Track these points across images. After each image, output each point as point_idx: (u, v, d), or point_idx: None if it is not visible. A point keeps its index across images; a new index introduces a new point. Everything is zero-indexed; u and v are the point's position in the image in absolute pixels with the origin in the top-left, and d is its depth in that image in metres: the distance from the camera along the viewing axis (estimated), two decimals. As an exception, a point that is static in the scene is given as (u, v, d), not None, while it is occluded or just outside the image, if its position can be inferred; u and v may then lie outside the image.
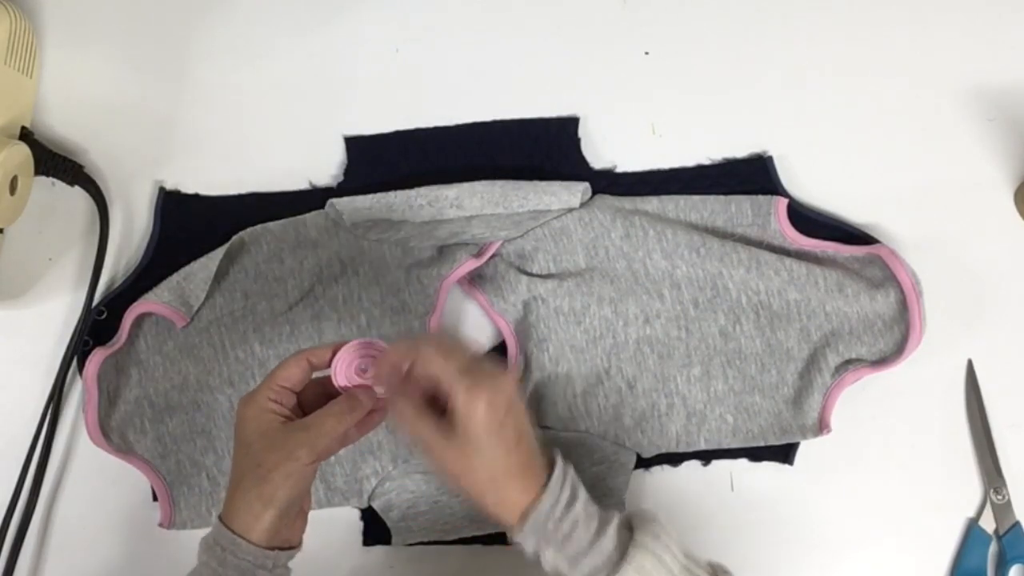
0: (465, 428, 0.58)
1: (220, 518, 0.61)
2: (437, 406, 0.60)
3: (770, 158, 0.82)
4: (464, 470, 0.59)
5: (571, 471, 0.62)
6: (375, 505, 0.79)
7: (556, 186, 0.80)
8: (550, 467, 0.61)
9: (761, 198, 0.81)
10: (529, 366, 0.79)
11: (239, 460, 0.61)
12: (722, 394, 0.79)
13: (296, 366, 0.62)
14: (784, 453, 0.80)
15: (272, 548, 0.60)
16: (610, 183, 0.82)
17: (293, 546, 0.63)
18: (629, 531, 0.61)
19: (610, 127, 0.84)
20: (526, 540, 0.60)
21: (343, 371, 0.63)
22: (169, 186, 0.83)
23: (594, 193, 0.81)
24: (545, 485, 0.60)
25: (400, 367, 0.61)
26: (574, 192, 0.80)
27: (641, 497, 0.80)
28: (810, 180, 0.83)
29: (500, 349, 0.81)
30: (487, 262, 0.81)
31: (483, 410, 0.58)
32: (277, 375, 0.62)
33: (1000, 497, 0.79)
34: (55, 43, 0.85)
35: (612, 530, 0.60)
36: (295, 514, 0.63)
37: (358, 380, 0.63)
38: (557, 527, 0.59)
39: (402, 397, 0.60)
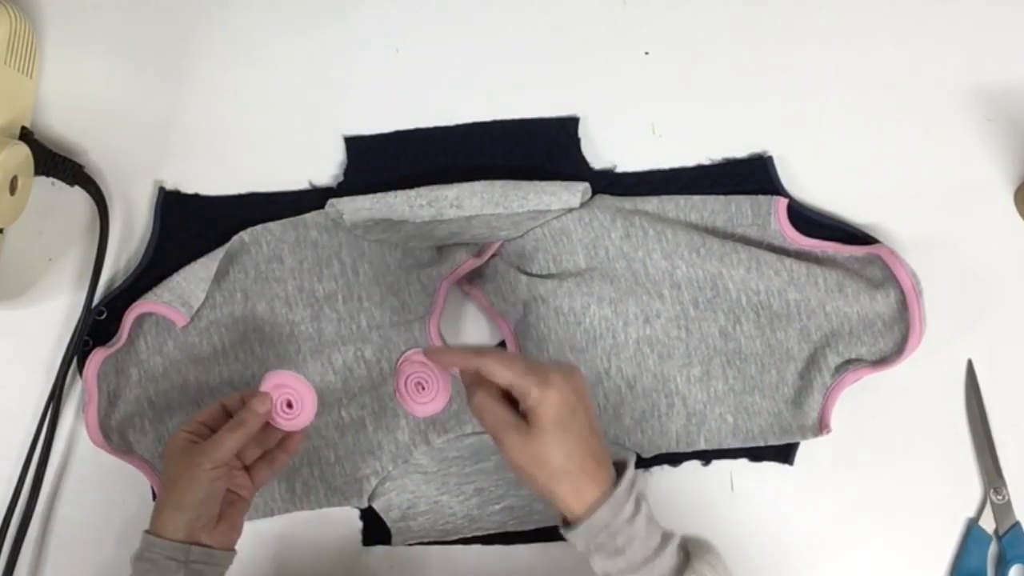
0: (540, 419, 0.61)
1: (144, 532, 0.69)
2: (510, 404, 0.63)
3: (770, 158, 0.82)
4: (538, 460, 0.61)
5: (639, 480, 0.63)
6: (375, 505, 0.79)
7: (556, 186, 0.80)
8: (622, 469, 0.63)
9: (761, 198, 0.81)
10: (529, 366, 0.79)
11: (160, 484, 0.70)
12: (722, 394, 0.79)
13: (210, 409, 0.71)
14: (784, 453, 0.80)
15: (185, 543, 0.67)
16: (610, 183, 0.82)
17: (214, 548, 0.68)
18: (686, 556, 0.62)
19: (610, 127, 0.84)
20: (577, 540, 0.62)
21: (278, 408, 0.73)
22: (169, 186, 0.83)
23: (594, 193, 0.81)
24: (614, 486, 0.61)
25: (467, 368, 0.65)
26: (574, 192, 0.80)
27: (641, 497, 0.80)
28: (810, 180, 0.83)
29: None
30: (487, 262, 0.81)
31: (555, 399, 0.61)
32: (196, 415, 0.71)
33: (1000, 497, 0.79)
34: (55, 43, 0.85)
35: (670, 552, 0.61)
36: (212, 517, 0.68)
37: (278, 419, 0.72)
38: (612, 538, 0.61)
39: (481, 390, 0.63)
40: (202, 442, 0.69)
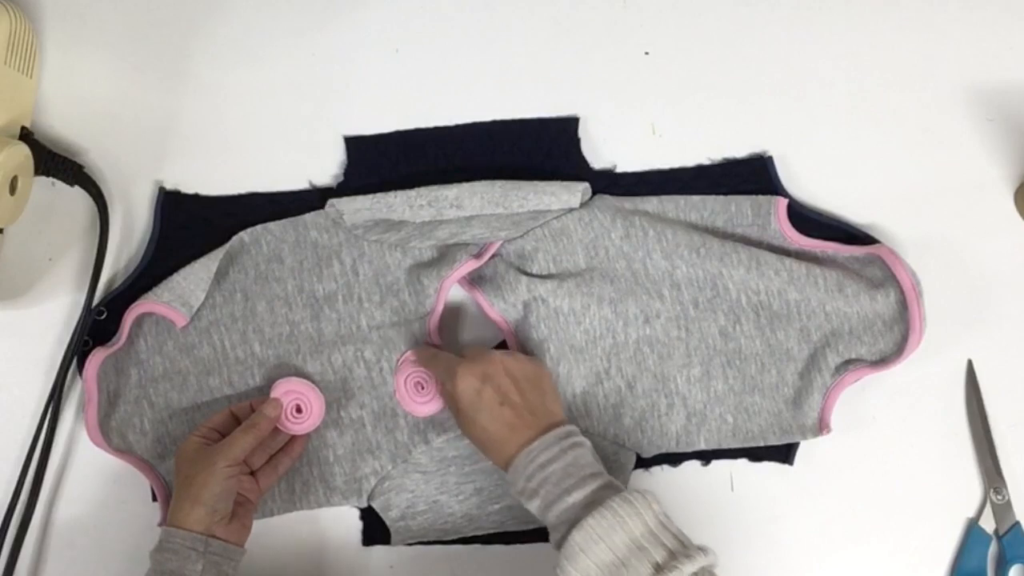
0: (456, 407, 0.72)
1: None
2: None
3: (770, 158, 0.82)
4: (470, 437, 0.73)
5: (568, 439, 0.69)
6: (374, 505, 0.79)
7: (556, 186, 0.80)
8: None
9: (761, 198, 0.81)
10: (529, 366, 0.79)
11: (175, 484, 0.73)
12: (722, 394, 0.79)
13: (221, 415, 0.76)
14: (784, 453, 0.80)
15: (204, 535, 0.70)
16: (610, 183, 0.82)
17: (230, 542, 0.72)
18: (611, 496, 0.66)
19: (610, 127, 0.84)
20: (511, 488, 0.70)
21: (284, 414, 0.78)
22: (169, 186, 0.83)
23: (594, 193, 0.82)
24: (531, 442, 0.69)
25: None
26: (574, 192, 0.80)
27: (641, 497, 0.80)
28: (810, 180, 0.83)
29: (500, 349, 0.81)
30: (487, 262, 0.81)
31: (461, 388, 0.71)
32: (206, 422, 0.76)
33: (1000, 497, 0.79)
34: (55, 43, 0.85)
35: (587, 491, 0.66)
36: (226, 513, 0.72)
37: (287, 423, 0.78)
38: (528, 482, 0.68)
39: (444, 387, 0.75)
40: (214, 444, 0.73)
